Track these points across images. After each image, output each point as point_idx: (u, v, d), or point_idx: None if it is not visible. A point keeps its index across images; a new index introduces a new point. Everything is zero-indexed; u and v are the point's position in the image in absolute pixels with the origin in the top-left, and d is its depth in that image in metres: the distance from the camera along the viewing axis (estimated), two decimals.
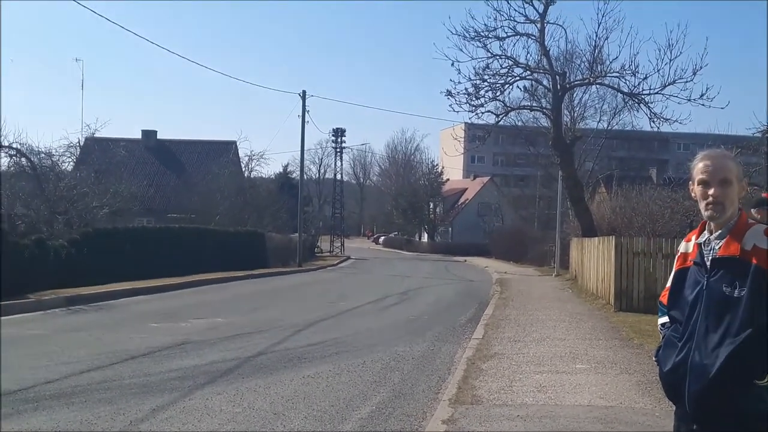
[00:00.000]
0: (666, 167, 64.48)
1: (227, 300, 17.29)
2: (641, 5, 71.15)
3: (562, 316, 14.14)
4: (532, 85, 24.92)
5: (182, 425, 5.78)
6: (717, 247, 2.67)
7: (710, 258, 2.67)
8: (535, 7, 22.27)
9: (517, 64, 22.58)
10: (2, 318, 12.24)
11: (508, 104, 24.22)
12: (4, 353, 8.96)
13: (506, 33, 22.17)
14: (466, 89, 22.28)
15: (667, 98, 21.00)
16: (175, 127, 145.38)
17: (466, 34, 21.97)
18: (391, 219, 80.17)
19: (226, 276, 23.73)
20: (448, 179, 74.07)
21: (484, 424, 5.77)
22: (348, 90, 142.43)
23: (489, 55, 22.29)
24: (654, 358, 2.87)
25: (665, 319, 2.90)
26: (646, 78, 21.16)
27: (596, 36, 22.18)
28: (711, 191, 2.66)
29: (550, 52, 23.28)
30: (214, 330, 11.45)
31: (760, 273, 2.52)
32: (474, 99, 22.44)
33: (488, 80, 22.44)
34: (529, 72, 23.28)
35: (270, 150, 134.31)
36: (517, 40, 22.61)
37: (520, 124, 41.44)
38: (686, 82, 20.12)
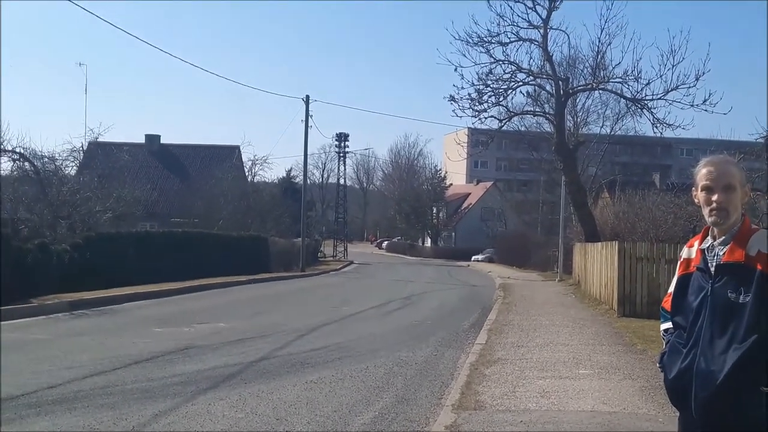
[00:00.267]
0: (669, 172, 64.35)
1: (230, 305, 17.29)
2: (644, 11, 71.18)
3: (565, 321, 14.11)
4: (535, 90, 24.99)
5: (185, 430, 5.77)
6: (721, 253, 2.66)
7: (714, 264, 2.66)
8: (538, 13, 22.32)
9: (520, 69, 22.62)
10: (5, 323, 12.25)
11: (511, 109, 24.31)
12: (7, 358, 8.96)
13: (509, 38, 22.22)
14: (469, 94, 22.32)
15: (670, 104, 21.03)
16: (179, 131, 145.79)
17: (470, 40, 22.02)
18: (394, 224, 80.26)
19: (229, 281, 23.73)
20: (451, 184, 74.10)
21: (487, 430, 5.76)
22: (351, 95, 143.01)
23: (492, 60, 22.34)
24: (658, 365, 2.85)
25: (668, 324, 2.89)
26: (648, 83, 21.20)
27: (599, 41, 22.24)
28: (714, 197, 2.65)
29: (553, 58, 23.33)
30: (217, 335, 11.44)
31: (765, 279, 2.52)
32: (477, 104, 22.47)
33: (491, 85, 22.48)
34: (532, 77, 23.32)
35: (273, 154, 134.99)
36: (520, 45, 22.68)
37: (523, 129, 41.52)
38: (689, 87, 20.15)
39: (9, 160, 22.87)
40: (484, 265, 47.26)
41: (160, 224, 32.53)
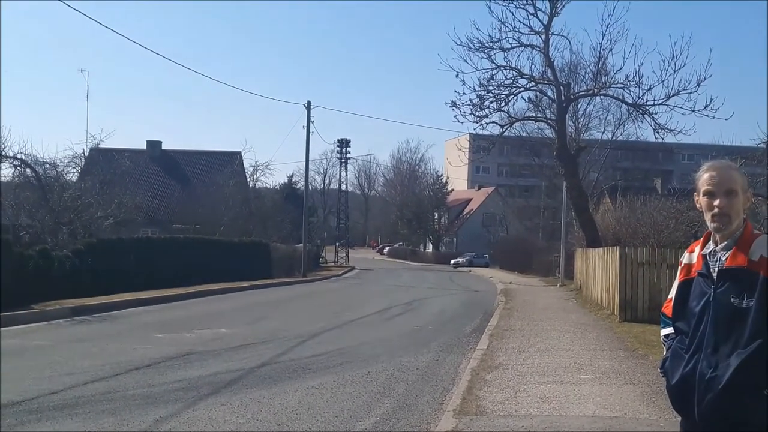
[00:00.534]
0: (670, 178, 64.36)
1: (231, 310, 17.28)
2: (646, 16, 71.30)
3: (566, 326, 14.09)
4: (536, 95, 25.07)
5: None
6: (723, 259, 2.66)
7: (717, 269, 2.66)
8: (539, 19, 22.40)
9: (521, 75, 22.68)
10: (7, 329, 12.25)
11: (512, 115, 24.38)
12: (8, 364, 8.96)
13: (511, 44, 22.32)
14: (470, 100, 22.39)
15: (672, 109, 21.09)
16: (180, 137, 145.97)
17: (471, 45, 22.10)
18: (396, 229, 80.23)
19: (231, 286, 23.72)
20: (452, 189, 74.13)
21: None
22: (353, 101, 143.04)
23: (494, 66, 22.43)
24: (659, 370, 2.84)
25: (669, 330, 2.88)
26: (650, 89, 21.24)
27: (600, 47, 22.29)
28: (716, 202, 2.65)
29: (555, 63, 23.39)
30: (219, 340, 11.43)
31: None
32: (479, 110, 22.56)
33: (493, 91, 22.56)
34: (533, 83, 23.38)
35: (275, 160, 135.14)
36: (522, 51, 22.78)
37: (524, 134, 41.63)
38: (690, 93, 20.21)
39: (10, 167, 22.96)
40: (485, 270, 47.26)
41: (161, 230, 32.58)
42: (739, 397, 2.49)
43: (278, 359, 9.73)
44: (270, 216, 41.66)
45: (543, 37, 22.55)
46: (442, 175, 74.45)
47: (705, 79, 19.94)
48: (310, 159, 39.96)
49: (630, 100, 22.48)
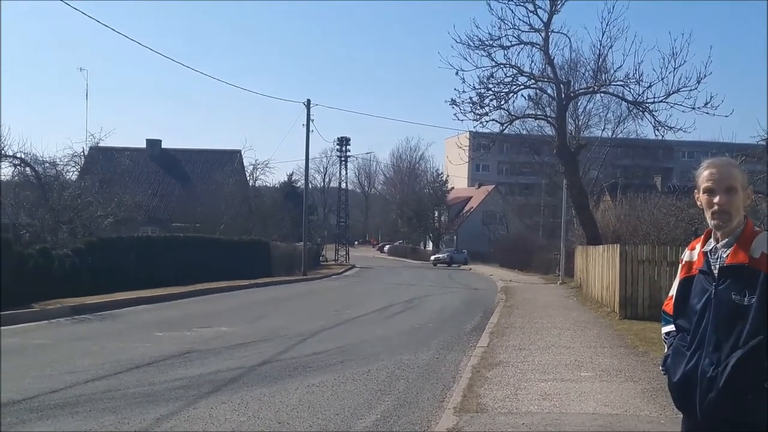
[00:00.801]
0: (670, 175, 64.40)
1: (232, 309, 17.28)
2: (646, 14, 71.27)
3: (566, 324, 14.10)
4: (536, 93, 25.01)
5: None
6: (724, 256, 2.66)
7: (718, 266, 2.66)
8: (539, 17, 22.35)
9: (521, 72, 22.65)
10: (7, 328, 12.26)
11: (512, 113, 24.31)
12: (9, 363, 8.97)
13: (511, 42, 22.27)
14: (470, 98, 22.36)
15: (672, 106, 21.06)
16: (180, 136, 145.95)
17: (471, 43, 22.06)
18: (396, 227, 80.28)
19: (231, 285, 23.73)
20: (452, 188, 74.12)
21: None
22: (352, 99, 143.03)
23: (493, 63, 22.39)
24: (661, 368, 2.84)
25: (670, 328, 2.88)
26: (650, 86, 21.23)
27: (600, 45, 22.25)
28: (716, 199, 2.65)
29: (555, 61, 23.35)
30: (219, 339, 11.44)
31: None
32: (478, 108, 22.51)
33: (493, 89, 22.52)
34: (533, 81, 23.35)
35: (274, 159, 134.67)
36: (522, 48, 22.72)
37: (524, 132, 41.52)
38: (690, 90, 20.20)
39: (10, 165, 22.96)
40: (485, 268, 47.26)
41: (161, 229, 32.58)
42: (741, 395, 2.49)
43: (279, 357, 9.74)
44: (270, 214, 41.66)
45: (543, 34, 22.53)
46: (442, 173, 74.47)
47: (705, 76, 19.95)
48: (310, 157, 40.03)
49: (630, 98, 22.48)
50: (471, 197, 76.24)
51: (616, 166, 53.19)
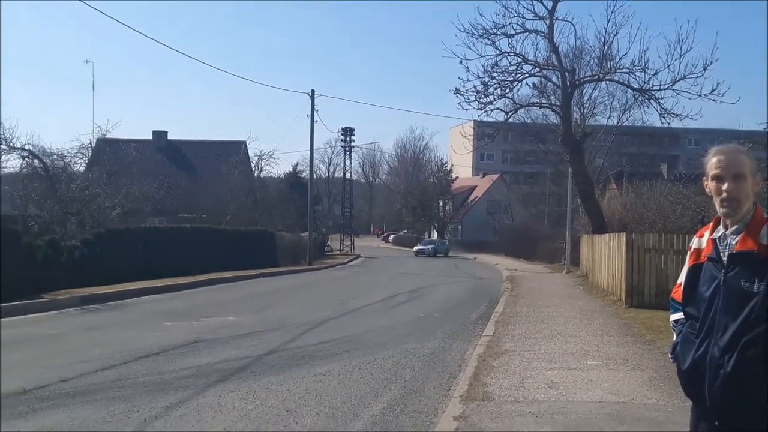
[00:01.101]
0: (677, 163, 64.07)
1: (239, 299, 17.36)
2: (651, 1, 70.73)
3: (572, 312, 14.11)
4: (541, 81, 24.91)
5: (196, 422, 5.82)
6: (733, 243, 2.65)
7: (727, 253, 2.65)
8: (543, 4, 22.25)
9: (526, 61, 22.54)
10: (18, 318, 12.37)
11: (517, 101, 24.22)
12: (20, 352, 9.06)
13: (515, 30, 22.15)
14: (474, 87, 22.28)
15: (678, 94, 20.96)
16: (186, 127, 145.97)
17: (475, 32, 21.96)
18: (401, 217, 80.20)
19: (237, 275, 23.82)
20: (457, 177, 73.99)
21: (496, 421, 5.78)
22: (356, 89, 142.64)
23: (498, 52, 22.29)
24: (670, 356, 2.84)
25: (679, 315, 2.88)
26: (656, 74, 21.14)
27: (605, 32, 22.15)
28: (725, 186, 2.64)
29: (559, 49, 23.27)
30: (227, 328, 11.50)
31: None
32: (483, 96, 22.44)
33: (497, 77, 22.44)
34: (538, 69, 23.26)
35: (279, 149, 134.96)
36: (526, 37, 22.62)
37: (529, 121, 41.39)
38: (697, 77, 20.08)
39: (19, 158, 23.05)
40: (490, 257, 47.26)
41: (168, 220, 32.69)
42: (749, 381, 2.49)
43: (286, 346, 9.79)
44: (275, 205, 41.73)
45: (547, 22, 22.42)
46: (446, 162, 74.32)
47: (711, 63, 19.85)
48: (314, 148, 40.07)
49: (636, 85, 22.38)
50: (476, 186, 76.10)
51: (621, 154, 53.01)
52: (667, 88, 20.99)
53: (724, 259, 2.65)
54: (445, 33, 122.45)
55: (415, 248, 56.66)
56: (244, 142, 43.57)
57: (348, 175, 64.05)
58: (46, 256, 16.60)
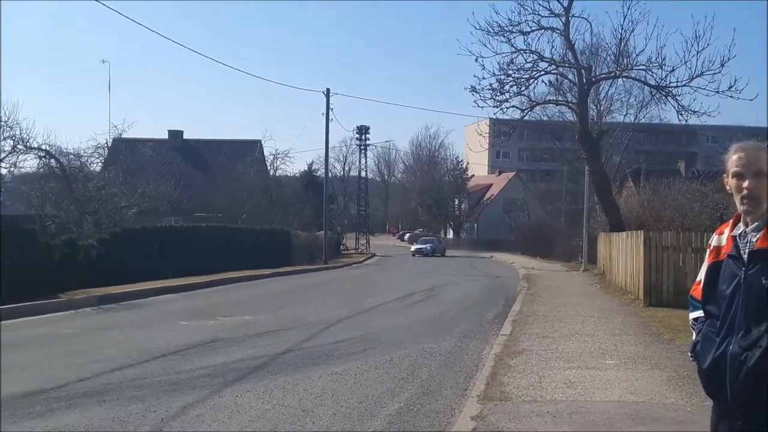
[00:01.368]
0: (694, 160, 63.38)
1: (255, 298, 17.42)
2: None
3: (590, 311, 14.00)
4: (557, 79, 24.75)
5: (213, 422, 5.83)
6: (754, 240, 2.61)
7: (747, 251, 2.62)
8: (559, 1, 22.09)
9: (541, 58, 22.41)
10: (36, 318, 12.49)
11: (533, 99, 24.11)
12: (37, 352, 9.14)
13: (530, 27, 22.01)
14: (490, 84, 22.17)
15: (695, 90, 20.75)
16: (201, 127, 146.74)
17: (490, 29, 21.85)
18: (416, 216, 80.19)
19: (254, 274, 23.90)
20: (473, 175, 73.80)
21: (514, 421, 5.74)
22: (372, 87, 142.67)
23: (513, 49, 22.16)
24: (690, 355, 2.80)
25: (699, 313, 2.84)
26: (673, 70, 20.92)
27: (622, 29, 21.94)
28: (745, 184, 2.61)
29: (575, 46, 23.06)
30: (243, 327, 11.53)
31: None
32: (498, 94, 22.32)
33: (513, 75, 22.30)
34: (554, 66, 23.11)
35: (294, 148, 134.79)
36: (542, 34, 22.46)
37: (545, 118, 41.21)
38: (714, 73, 19.84)
39: (35, 158, 23.25)
40: (506, 256, 47.06)
41: (184, 219, 32.86)
42: None
43: (302, 346, 9.79)
44: (291, 204, 41.82)
45: (563, 19, 22.26)
46: (462, 160, 74.14)
47: (729, 59, 19.58)
48: (329, 146, 40.08)
49: (653, 82, 22.15)
50: (491, 185, 75.84)
51: (638, 151, 52.50)
52: (685, 85, 20.79)
53: (745, 256, 2.61)
54: (460, 31, 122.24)
55: (413, 248, 53.15)
56: (259, 141, 43.75)
57: (363, 174, 64.01)
58: (63, 255, 16.73)
